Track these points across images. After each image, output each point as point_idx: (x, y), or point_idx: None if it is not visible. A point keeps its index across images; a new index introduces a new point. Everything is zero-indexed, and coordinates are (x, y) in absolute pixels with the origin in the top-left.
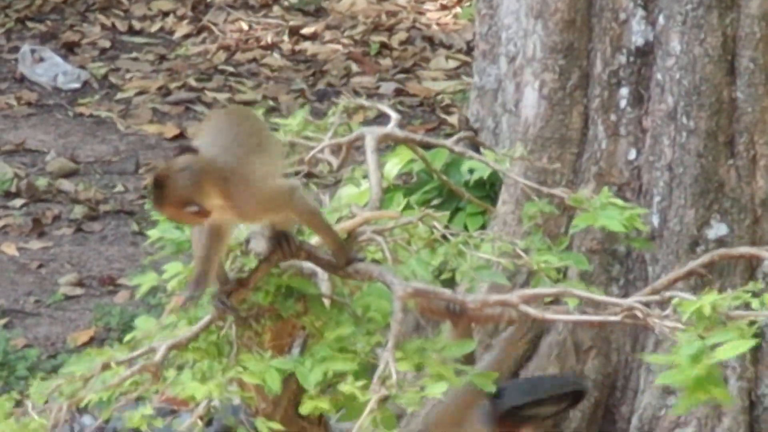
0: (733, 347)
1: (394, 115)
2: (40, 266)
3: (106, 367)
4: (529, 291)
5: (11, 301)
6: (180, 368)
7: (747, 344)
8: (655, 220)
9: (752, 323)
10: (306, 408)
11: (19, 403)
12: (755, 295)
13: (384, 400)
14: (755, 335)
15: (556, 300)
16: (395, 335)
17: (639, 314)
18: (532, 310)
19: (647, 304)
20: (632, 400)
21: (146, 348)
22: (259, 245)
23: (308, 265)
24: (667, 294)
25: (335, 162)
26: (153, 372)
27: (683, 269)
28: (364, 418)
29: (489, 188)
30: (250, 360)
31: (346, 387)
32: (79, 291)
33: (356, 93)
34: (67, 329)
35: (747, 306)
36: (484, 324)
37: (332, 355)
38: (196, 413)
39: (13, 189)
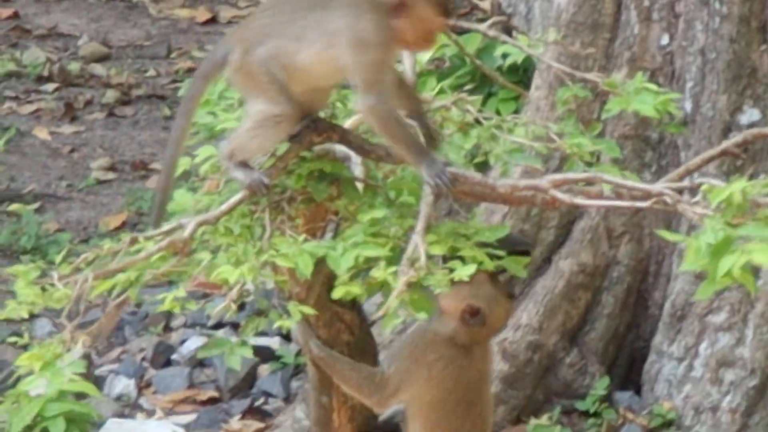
0: (764, 249)
1: None
2: (72, 151)
3: (134, 241)
4: (559, 176)
5: (43, 186)
6: (214, 252)
7: None
8: (688, 106)
9: None
10: (338, 293)
11: (44, 274)
12: None
13: (413, 282)
14: None
15: (589, 184)
16: (425, 217)
17: (668, 200)
18: (561, 195)
19: (679, 191)
20: (665, 285)
21: (174, 224)
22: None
23: (342, 149)
24: (698, 180)
25: None
26: (180, 248)
27: (717, 149)
28: (392, 300)
29: (522, 74)
30: (283, 243)
31: (379, 272)
32: (111, 175)
33: None
34: (99, 213)
35: None
36: (517, 206)
37: (365, 240)
38: (229, 297)
39: (46, 73)
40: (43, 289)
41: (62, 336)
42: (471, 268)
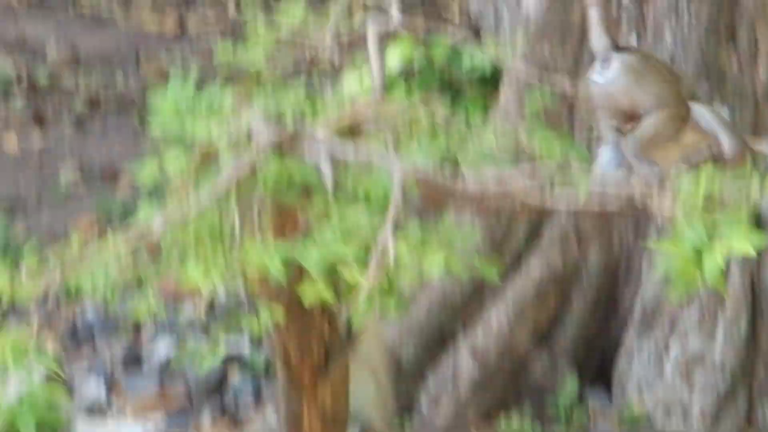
0: (741, 236)
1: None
2: (41, 159)
3: (102, 240)
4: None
5: (12, 194)
6: (183, 259)
7: (760, 237)
8: None
9: (750, 203)
10: (309, 295)
11: (13, 268)
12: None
13: (382, 278)
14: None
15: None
16: (393, 215)
17: (638, 189)
18: (532, 200)
19: (660, 180)
20: (635, 286)
21: (143, 224)
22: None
23: (311, 156)
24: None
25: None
26: (150, 246)
27: None
28: (361, 297)
29: (491, 81)
30: (253, 246)
31: (349, 274)
32: (80, 184)
33: None
34: (69, 221)
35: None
36: (490, 206)
37: (335, 239)
38: (199, 303)
39: (14, 82)
40: (11, 282)
41: (30, 329)
42: (440, 264)
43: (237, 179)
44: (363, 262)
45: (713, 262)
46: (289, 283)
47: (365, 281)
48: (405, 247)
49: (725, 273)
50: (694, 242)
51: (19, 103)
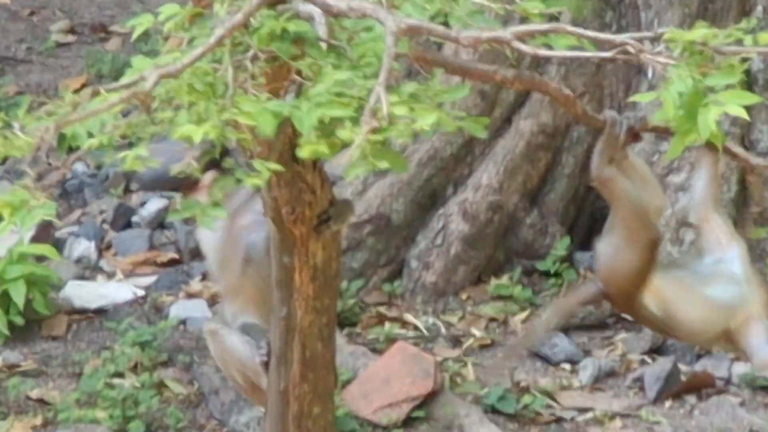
0: (735, 98)
1: None
2: (32, 13)
3: (95, 93)
4: (522, 27)
5: (3, 49)
6: (176, 110)
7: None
8: None
9: (744, 60)
10: (304, 152)
11: (5, 126)
12: (749, 32)
13: (374, 132)
14: (747, 81)
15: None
16: (387, 69)
17: (631, 50)
18: (525, 47)
19: (640, 41)
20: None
21: (136, 77)
22: None
23: (305, 9)
24: (660, 30)
25: None
26: (142, 100)
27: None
28: (354, 150)
29: None
30: (245, 102)
31: (344, 132)
32: (70, 38)
33: None
34: (59, 76)
35: (739, 43)
36: (477, 80)
37: (329, 99)
38: (190, 154)
39: None
40: (5, 138)
41: (24, 182)
42: (432, 118)
43: (230, 30)
44: (356, 121)
45: (706, 119)
46: (282, 138)
47: (358, 137)
48: (397, 103)
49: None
50: (687, 95)
51: None
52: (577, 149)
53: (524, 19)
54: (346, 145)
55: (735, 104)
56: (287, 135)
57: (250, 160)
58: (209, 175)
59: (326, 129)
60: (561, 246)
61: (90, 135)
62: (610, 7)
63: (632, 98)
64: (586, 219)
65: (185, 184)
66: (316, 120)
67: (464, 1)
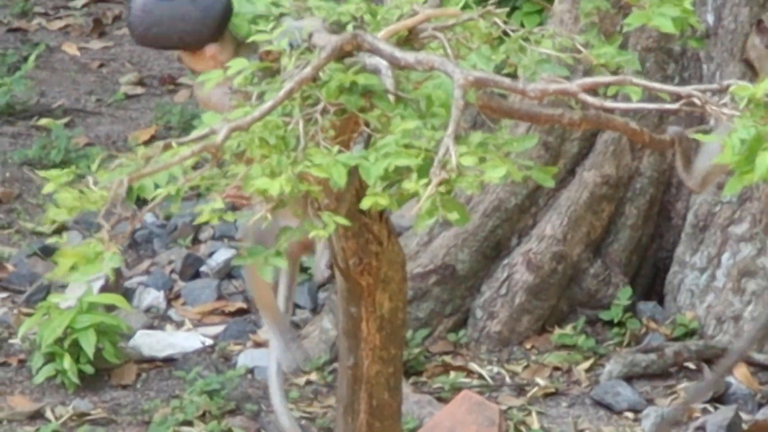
0: None
1: None
2: (101, 65)
3: (167, 147)
4: (588, 79)
5: (73, 101)
6: (247, 164)
7: None
8: (710, 19)
9: None
10: (366, 202)
11: (80, 179)
12: None
13: (444, 183)
14: None
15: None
16: (455, 121)
17: (697, 101)
18: (591, 99)
19: (705, 93)
20: (687, 196)
21: (207, 130)
22: (323, 38)
23: (372, 62)
24: (725, 82)
25: None
26: (213, 153)
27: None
28: (424, 201)
29: None
30: (317, 154)
31: (411, 184)
32: (139, 90)
33: None
34: (128, 128)
35: None
36: (542, 124)
37: (396, 150)
38: (265, 207)
39: None
40: (81, 192)
41: (100, 235)
42: (501, 171)
43: (300, 83)
44: (424, 172)
45: (763, 160)
46: (350, 190)
47: (427, 190)
48: (466, 153)
49: None
50: (749, 140)
51: (80, 11)
52: (640, 200)
53: (588, 70)
54: (411, 196)
55: None
56: (355, 188)
57: (318, 211)
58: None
59: (392, 180)
60: (624, 296)
61: (156, 186)
62: (673, 59)
63: (694, 136)
64: (649, 269)
65: None
66: (383, 170)
67: (531, 51)
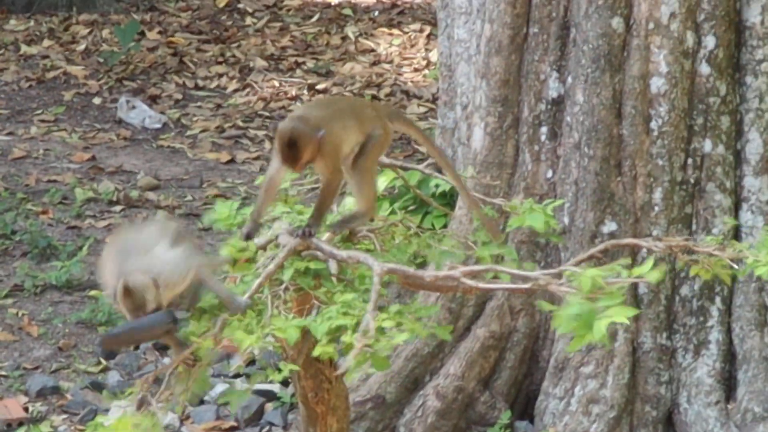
0: (620, 312)
1: None
2: None
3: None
4: (467, 268)
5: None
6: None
7: (632, 311)
8: (566, 220)
9: (621, 288)
10: (317, 352)
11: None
12: (627, 268)
13: (366, 346)
14: (636, 304)
15: (496, 277)
16: (374, 301)
17: (542, 282)
18: (470, 282)
19: (557, 276)
20: (550, 346)
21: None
22: (285, 239)
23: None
24: (564, 269)
25: None
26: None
27: (586, 254)
28: (350, 359)
29: (449, 198)
30: (278, 320)
31: (346, 338)
32: None
33: None
34: None
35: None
36: (445, 292)
37: (337, 315)
38: (242, 357)
39: (114, 198)
40: None
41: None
42: (404, 336)
43: (266, 278)
44: (355, 329)
45: (599, 327)
46: (307, 345)
47: (353, 351)
48: (386, 319)
49: (612, 335)
50: (583, 314)
51: (119, 213)
52: (517, 349)
53: (478, 259)
54: (347, 347)
55: (621, 316)
56: (312, 342)
57: (284, 360)
58: None
59: (335, 336)
60: (505, 416)
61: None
62: (539, 249)
63: (543, 308)
64: (524, 398)
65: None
66: (327, 328)
67: (436, 247)
